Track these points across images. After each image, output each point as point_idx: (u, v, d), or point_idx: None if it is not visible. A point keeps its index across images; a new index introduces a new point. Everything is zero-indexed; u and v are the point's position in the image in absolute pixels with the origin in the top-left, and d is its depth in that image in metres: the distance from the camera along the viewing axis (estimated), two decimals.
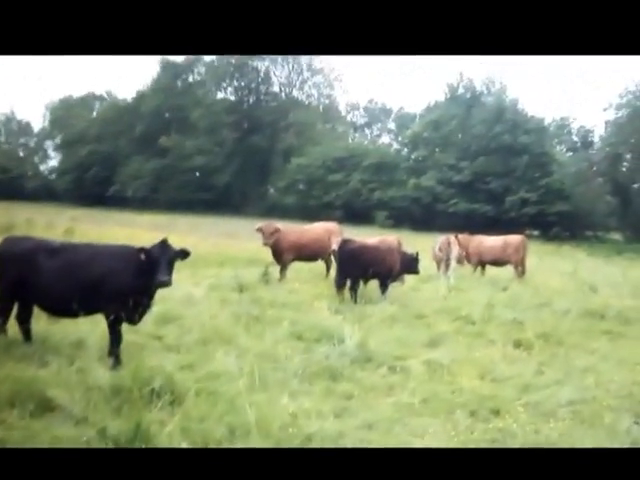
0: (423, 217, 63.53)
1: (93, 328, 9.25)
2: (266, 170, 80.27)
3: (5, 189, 76.96)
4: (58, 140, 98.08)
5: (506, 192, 61.45)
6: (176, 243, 8.91)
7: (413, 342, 11.09)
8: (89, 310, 8.49)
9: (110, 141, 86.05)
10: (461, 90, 73.76)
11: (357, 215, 64.80)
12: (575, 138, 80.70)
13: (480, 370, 9.50)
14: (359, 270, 14.78)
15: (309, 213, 60.74)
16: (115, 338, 8.46)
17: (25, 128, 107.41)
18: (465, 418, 7.47)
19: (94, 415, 6.45)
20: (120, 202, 75.13)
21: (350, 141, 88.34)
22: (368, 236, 20.41)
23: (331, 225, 20.25)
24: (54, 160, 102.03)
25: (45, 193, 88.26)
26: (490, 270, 22.76)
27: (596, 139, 73.62)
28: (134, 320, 8.63)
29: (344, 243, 15.21)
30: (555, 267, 27.16)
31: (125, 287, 8.32)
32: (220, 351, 9.10)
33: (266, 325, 11.43)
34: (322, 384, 8.35)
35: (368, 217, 64.84)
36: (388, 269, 15.21)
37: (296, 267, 20.16)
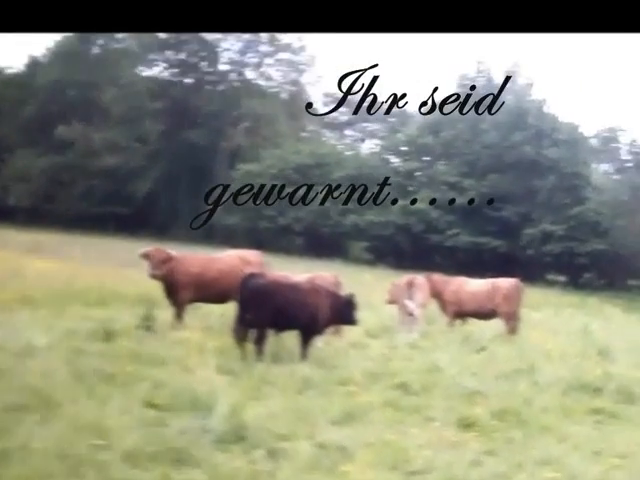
0: (412, 251, 63.74)
1: None
2: (204, 178, 79.77)
3: None
4: None
5: (524, 222, 61.92)
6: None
7: (317, 417, 10.90)
8: None
9: None
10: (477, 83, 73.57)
11: (324, 245, 65.06)
12: (625, 156, 79.76)
13: (395, 458, 9.38)
14: (267, 316, 14.60)
15: (259, 238, 61.02)
16: None
17: None
18: None
19: None
20: None
21: (321, 144, 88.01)
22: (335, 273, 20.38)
23: (250, 254, 19.78)
24: None
25: None
26: (478, 324, 22.70)
27: None
28: None
29: (248, 278, 15.04)
30: (569, 324, 27.21)
31: None
32: (28, 421, 8.87)
33: (118, 387, 11.26)
34: (158, 470, 8.15)
35: (340, 248, 64.95)
36: (309, 317, 15.02)
37: (204, 310, 19.95)
